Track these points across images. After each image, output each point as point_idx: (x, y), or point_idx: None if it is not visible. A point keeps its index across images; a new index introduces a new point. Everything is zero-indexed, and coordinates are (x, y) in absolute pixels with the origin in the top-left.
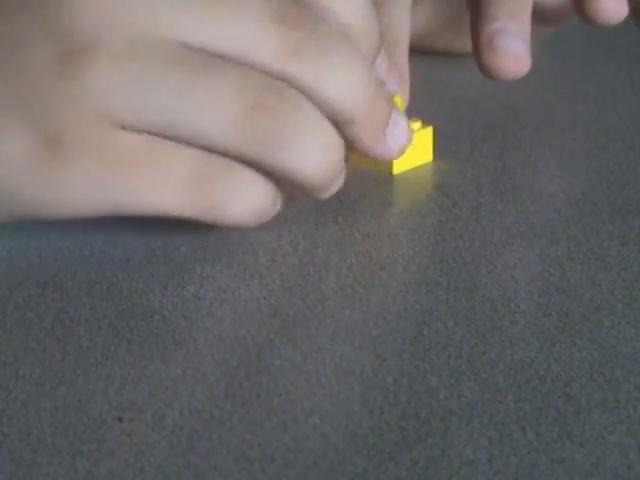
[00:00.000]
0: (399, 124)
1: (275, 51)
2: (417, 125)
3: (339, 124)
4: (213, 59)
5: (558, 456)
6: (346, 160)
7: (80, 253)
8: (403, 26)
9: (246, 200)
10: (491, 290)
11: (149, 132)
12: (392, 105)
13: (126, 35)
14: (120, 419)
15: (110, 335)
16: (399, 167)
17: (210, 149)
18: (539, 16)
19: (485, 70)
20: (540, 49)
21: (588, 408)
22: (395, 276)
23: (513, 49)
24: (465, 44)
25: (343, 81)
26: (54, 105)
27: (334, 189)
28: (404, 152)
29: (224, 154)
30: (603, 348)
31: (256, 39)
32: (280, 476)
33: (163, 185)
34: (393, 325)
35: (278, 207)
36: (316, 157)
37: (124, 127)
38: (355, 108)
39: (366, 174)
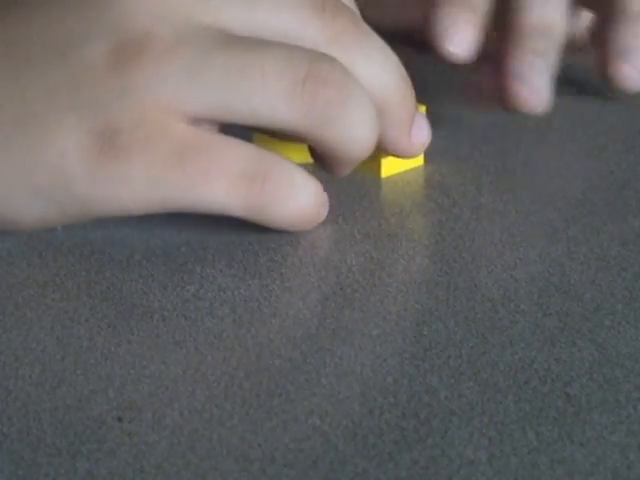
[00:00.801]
0: (421, 122)
1: (315, 40)
2: None
3: None
4: (260, 40)
5: (558, 456)
6: None
7: (80, 253)
8: None
9: (296, 201)
10: (491, 290)
11: (205, 119)
12: (416, 104)
13: (174, 26)
14: (120, 419)
15: (110, 335)
16: (388, 170)
17: (267, 127)
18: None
19: (508, 100)
20: None
21: (588, 408)
22: (395, 276)
23: (538, 84)
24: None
25: (378, 71)
26: (109, 99)
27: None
28: (424, 149)
29: (280, 132)
30: (603, 348)
31: (296, 29)
32: (280, 476)
33: (216, 180)
34: (393, 325)
35: (324, 214)
36: (366, 128)
37: (179, 119)
38: (388, 98)
39: (366, 174)
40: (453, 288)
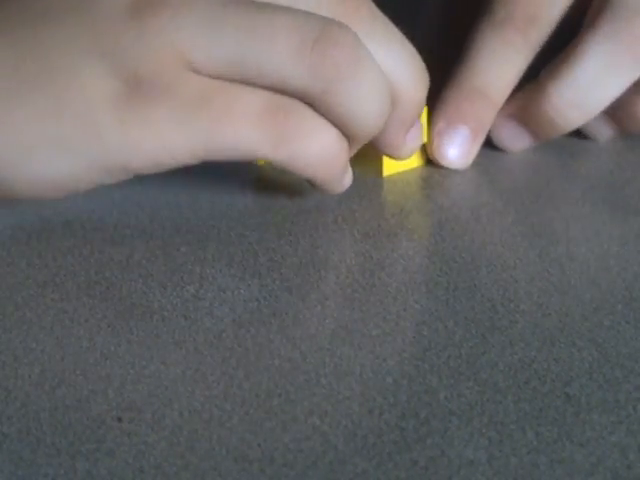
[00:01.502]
0: (417, 128)
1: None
2: None
3: None
4: (273, 2)
5: (558, 456)
6: None
7: (80, 253)
8: None
9: (319, 137)
10: (491, 290)
11: (218, 73)
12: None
13: None
14: (120, 419)
15: (110, 335)
16: (389, 169)
17: (275, 88)
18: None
19: (430, 151)
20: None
21: (588, 408)
22: (395, 276)
23: (460, 149)
24: None
25: (393, 60)
26: (128, 48)
27: (376, 133)
28: (412, 155)
29: (289, 93)
30: (603, 348)
31: (310, 7)
32: (280, 476)
33: (240, 118)
34: (393, 325)
35: (349, 176)
36: (374, 100)
37: (195, 69)
38: (399, 90)
39: (366, 174)
40: (453, 288)
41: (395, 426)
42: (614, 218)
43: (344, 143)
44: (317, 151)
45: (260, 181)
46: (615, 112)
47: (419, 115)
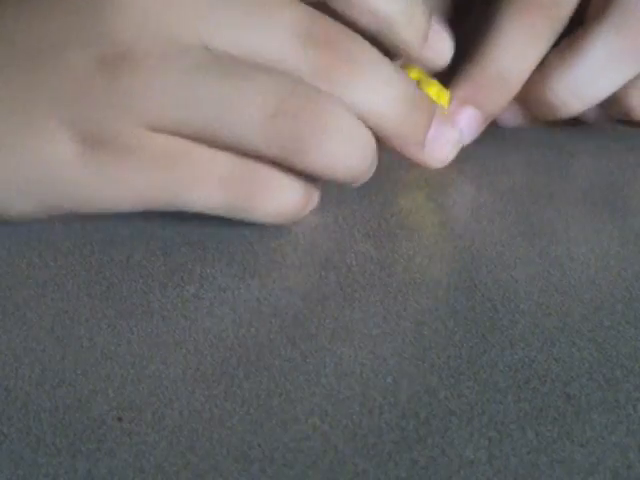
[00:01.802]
0: (443, 134)
1: (297, 70)
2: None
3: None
4: (241, 65)
5: (558, 456)
6: None
7: (80, 253)
8: None
9: (278, 201)
10: (491, 290)
11: (181, 135)
12: (432, 117)
13: (158, 43)
14: (120, 419)
15: (110, 335)
16: None
17: (240, 151)
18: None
19: None
20: None
21: (588, 408)
22: (395, 276)
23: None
24: None
25: (370, 103)
26: (93, 107)
27: (367, 177)
28: (449, 162)
29: (254, 156)
30: (603, 348)
31: (279, 57)
32: (280, 476)
33: (197, 185)
34: (393, 325)
35: (314, 204)
36: (345, 158)
37: (158, 130)
38: (383, 128)
39: None
40: (453, 288)
41: (395, 426)
42: (614, 218)
43: (311, 194)
44: (279, 210)
45: None
46: (610, 101)
47: (421, 140)
